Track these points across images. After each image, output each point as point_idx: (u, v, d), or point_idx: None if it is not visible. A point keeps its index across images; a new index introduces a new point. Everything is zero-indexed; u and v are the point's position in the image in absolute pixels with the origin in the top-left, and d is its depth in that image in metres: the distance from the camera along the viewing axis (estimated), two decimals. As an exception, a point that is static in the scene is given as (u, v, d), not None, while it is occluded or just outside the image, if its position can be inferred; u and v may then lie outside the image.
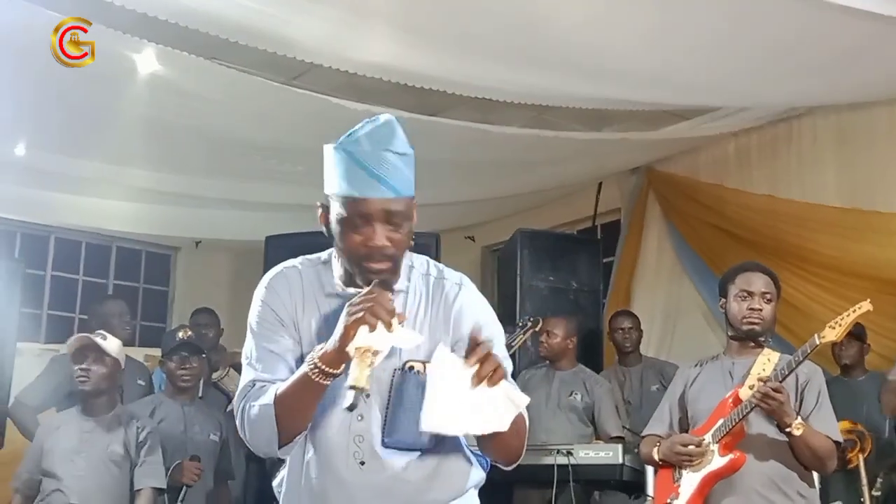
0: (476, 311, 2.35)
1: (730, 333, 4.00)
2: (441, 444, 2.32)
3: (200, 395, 5.54)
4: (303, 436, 2.28)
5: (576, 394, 5.92)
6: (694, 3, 4.84)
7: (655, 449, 3.96)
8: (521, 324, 5.79)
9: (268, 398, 2.19)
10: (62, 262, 9.74)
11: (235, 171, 7.30)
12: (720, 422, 3.77)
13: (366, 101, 5.90)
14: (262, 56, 5.52)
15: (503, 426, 2.13)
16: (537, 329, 5.82)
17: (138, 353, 6.59)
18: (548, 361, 6.16)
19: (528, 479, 5.50)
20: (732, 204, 7.43)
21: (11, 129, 6.28)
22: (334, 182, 2.23)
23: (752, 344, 3.91)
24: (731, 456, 3.71)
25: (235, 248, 9.53)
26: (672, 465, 3.91)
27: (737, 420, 3.70)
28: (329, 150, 2.27)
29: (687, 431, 3.93)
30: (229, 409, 6.12)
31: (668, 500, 3.85)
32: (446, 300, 2.33)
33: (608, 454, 5.29)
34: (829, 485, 4.84)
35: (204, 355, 5.41)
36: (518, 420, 2.20)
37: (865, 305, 3.74)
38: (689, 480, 3.80)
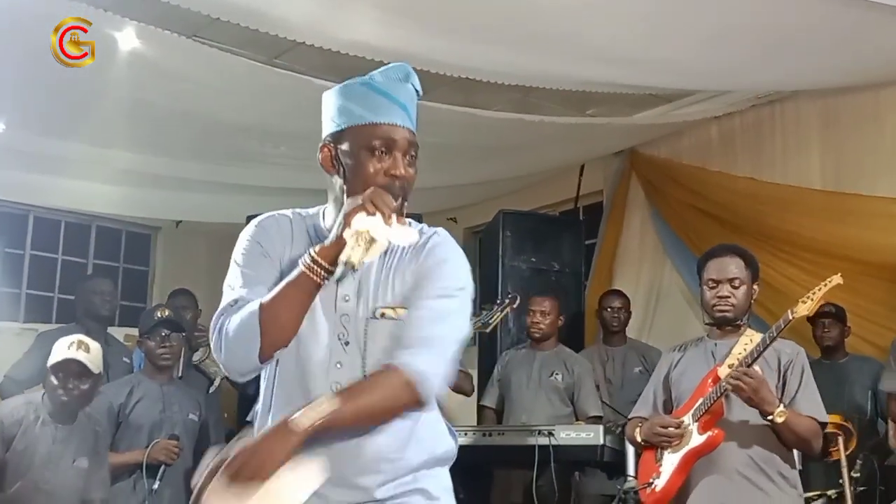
0: (437, 251, 2.28)
1: (705, 320, 4.01)
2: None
3: (180, 375, 5.52)
4: (275, 377, 2.25)
5: (557, 373, 5.93)
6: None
7: (637, 430, 3.97)
8: (499, 301, 5.79)
9: (252, 306, 2.12)
10: (41, 241, 9.67)
11: (217, 153, 7.26)
12: (699, 401, 3.78)
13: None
14: (245, 33, 5.48)
15: None
16: (514, 306, 5.82)
17: (118, 333, 6.56)
18: (530, 341, 6.16)
19: (509, 461, 5.53)
20: (715, 187, 7.43)
21: (-9, 109, 6.23)
22: (351, 114, 2.21)
23: (731, 327, 3.91)
24: (709, 433, 3.72)
25: (216, 229, 9.46)
26: (654, 446, 3.92)
27: (714, 398, 3.71)
28: (335, 90, 2.26)
29: (671, 413, 3.94)
30: (211, 390, 6.11)
31: (651, 480, 3.86)
32: (420, 247, 2.28)
33: (589, 435, 5.31)
34: (808, 465, 4.86)
35: (184, 334, 5.38)
36: None
37: (836, 279, 3.76)
38: (670, 460, 3.82)
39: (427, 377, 2.13)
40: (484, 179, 8.40)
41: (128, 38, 5.23)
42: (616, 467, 5.25)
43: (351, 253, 2.02)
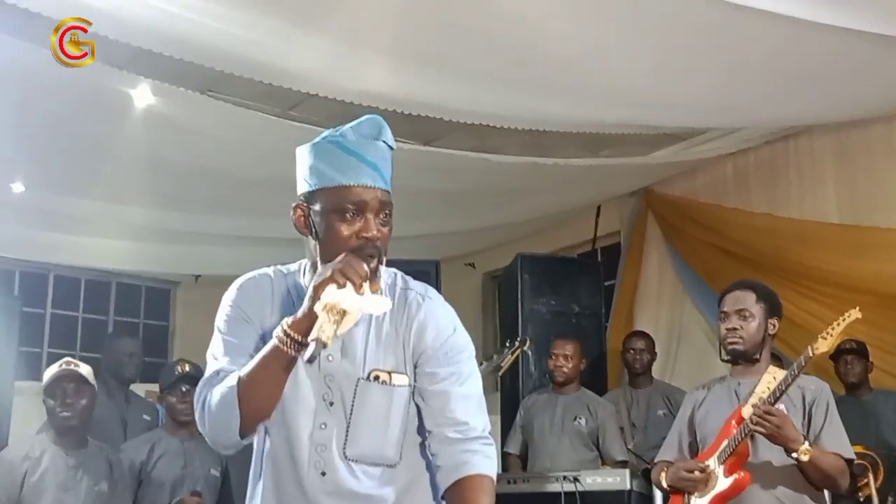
0: (439, 321, 2.27)
1: (721, 357, 3.96)
2: (409, 462, 2.26)
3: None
4: (265, 439, 2.24)
5: (580, 418, 5.88)
6: (691, 26, 4.84)
7: (662, 475, 3.92)
8: (508, 344, 5.77)
9: (231, 381, 2.10)
10: (62, 300, 9.73)
11: (234, 206, 7.29)
12: (724, 443, 3.73)
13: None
14: (258, 87, 5.53)
15: None
16: (525, 349, 5.80)
17: (139, 389, 6.56)
18: (552, 385, 6.12)
19: (534, 507, 5.46)
20: (732, 224, 7.41)
21: (9, 168, 6.28)
22: (321, 175, 2.17)
23: (750, 363, 3.85)
24: (735, 476, 3.67)
25: (235, 282, 9.51)
26: (681, 490, 3.86)
27: (739, 440, 3.66)
28: (307, 148, 2.22)
29: (697, 454, 3.89)
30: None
31: None
32: (409, 311, 2.26)
33: (616, 479, 5.25)
34: (838, 504, 4.79)
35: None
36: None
37: (854, 313, 3.72)
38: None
39: (495, 463, 2.26)
40: (500, 223, 8.40)
41: (143, 96, 5.29)
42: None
43: (321, 330, 1.96)
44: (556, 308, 7.16)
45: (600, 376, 7.13)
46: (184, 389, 5.06)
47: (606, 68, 5.30)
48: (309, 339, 1.97)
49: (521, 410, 6.16)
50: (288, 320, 2.06)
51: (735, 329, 3.79)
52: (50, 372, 4.64)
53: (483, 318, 9.50)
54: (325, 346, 1.95)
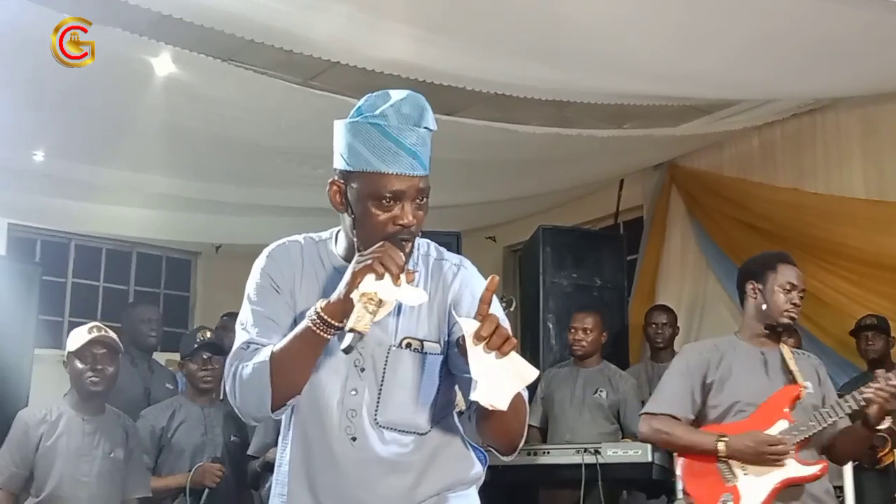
0: (474, 290, 2.26)
1: (767, 321, 3.82)
2: (439, 430, 2.26)
3: (222, 398, 5.50)
4: (292, 406, 2.23)
5: (601, 391, 5.85)
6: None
7: (722, 444, 3.67)
8: None
9: (263, 356, 2.12)
10: (83, 269, 9.76)
11: (255, 176, 7.28)
12: (788, 425, 3.65)
13: (384, 100, 5.85)
14: (280, 56, 5.49)
15: (506, 403, 2.00)
16: (511, 310, 5.76)
17: (159, 358, 6.57)
18: (572, 358, 6.09)
19: (554, 480, 5.44)
20: (757, 198, 7.35)
21: (30, 137, 6.28)
22: (360, 157, 2.14)
23: (779, 336, 3.85)
24: (820, 465, 3.64)
25: (256, 252, 9.43)
26: (729, 459, 3.68)
27: (824, 424, 3.61)
28: (346, 125, 2.19)
29: (701, 415, 3.81)
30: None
31: (722, 501, 3.67)
32: (444, 281, 2.27)
33: (637, 453, 5.19)
34: (862, 481, 4.77)
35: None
36: (518, 400, 2.08)
37: None
38: (758, 483, 3.63)
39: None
40: (522, 195, 8.35)
41: (164, 63, 5.26)
42: (665, 486, 5.14)
43: (358, 320, 1.98)
44: (578, 281, 7.12)
45: (622, 350, 7.10)
46: (205, 357, 5.08)
47: (629, 38, 5.24)
48: (346, 328, 1.99)
49: (542, 383, 6.13)
50: (321, 303, 2.06)
51: (799, 305, 3.82)
52: (80, 335, 4.57)
53: (504, 292, 9.46)
54: (361, 336, 1.99)
